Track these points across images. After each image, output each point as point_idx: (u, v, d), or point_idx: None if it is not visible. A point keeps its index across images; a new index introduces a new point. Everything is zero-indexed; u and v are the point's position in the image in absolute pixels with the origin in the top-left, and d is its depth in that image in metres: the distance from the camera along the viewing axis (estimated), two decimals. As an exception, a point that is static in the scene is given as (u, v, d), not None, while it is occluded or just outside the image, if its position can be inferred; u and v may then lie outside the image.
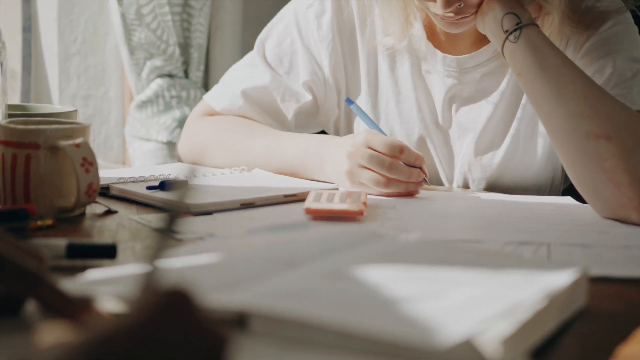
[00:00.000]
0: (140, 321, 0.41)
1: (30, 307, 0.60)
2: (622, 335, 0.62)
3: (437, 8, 1.12)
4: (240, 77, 1.35)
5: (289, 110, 1.33)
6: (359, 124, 1.33)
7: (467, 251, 0.75)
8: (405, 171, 1.10)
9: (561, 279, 0.64)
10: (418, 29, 1.27)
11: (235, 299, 0.56)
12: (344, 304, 0.56)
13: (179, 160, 1.38)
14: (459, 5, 1.11)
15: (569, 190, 1.23)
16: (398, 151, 1.10)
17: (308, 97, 1.33)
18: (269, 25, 1.37)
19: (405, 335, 0.51)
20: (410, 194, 1.13)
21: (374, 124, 1.21)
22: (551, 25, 1.16)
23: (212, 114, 1.37)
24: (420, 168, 1.12)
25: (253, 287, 0.58)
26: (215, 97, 1.37)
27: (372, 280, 0.61)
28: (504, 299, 0.58)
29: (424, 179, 1.13)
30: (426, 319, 0.54)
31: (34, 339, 0.43)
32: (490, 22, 1.12)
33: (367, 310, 0.55)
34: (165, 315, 0.42)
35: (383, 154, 1.09)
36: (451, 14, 1.12)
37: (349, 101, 1.24)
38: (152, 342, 0.41)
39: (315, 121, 1.37)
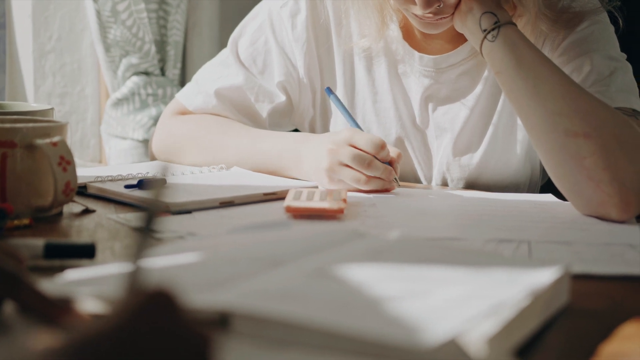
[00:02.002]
0: (124, 322, 0.41)
1: (9, 309, 0.59)
2: (605, 332, 0.62)
3: (416, 9, 1.12)
4: (213, 76, 1.35)
5: (263, 110, 1.33)
6: (335, 124, 1.32)
7: (449, 249, 0.74)
8: (381, 168, 1.10)
9: (544, 277, 0.64)
10: (394, 30, 1.27)
11: (218, 299, 0.55)
12: (329, 303, 0.56)
13: (152, 158, 1.38)
14: (438, 6, 1.11)
15: (547, 186, 1.23)
16: (380, 148, 1.10)
17: (282, 98, 1.32)
18: (242, 23, 1.36)
19: (390, 335, 0.50)
20: (386, 191, 1.13)
21: (351, 118, 1.21)
22: (524, 27, 1.17)
23: (185, 112, 1.37)
24: (391, 165, 1.12)
25: (236, 287, 0.58)
26: (188, 96, 1.36)
27: (355, 279, 0.61)
28: (488, 298, 0.58)
29: (395, 178, 1.13)
30: (411, 319, 0.53)
31: (24, 343, 0.42)
32: (469, 22, 1.12)
33: (352, 309, 0.55)
34: (149, 317, 0.41)
35: (365, 151, 1.09)
36: (430, 15, 1.12)
37: (329, 91, 1.24)
38: (135, 343, 0.40)
39: (289, 120, 1.37)
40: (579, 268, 0.78)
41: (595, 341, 0.60)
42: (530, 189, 1.32)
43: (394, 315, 0.54)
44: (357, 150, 1.09)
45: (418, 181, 1.32)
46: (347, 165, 1.10)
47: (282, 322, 0.52)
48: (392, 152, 1.13)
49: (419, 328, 0.52)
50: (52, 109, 1.12)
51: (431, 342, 0.50)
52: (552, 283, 0.63)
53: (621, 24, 1.22)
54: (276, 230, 0.79)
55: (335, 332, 0.51)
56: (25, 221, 0.88)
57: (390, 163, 1.12)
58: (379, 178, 1.11)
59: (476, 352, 0.51)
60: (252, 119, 1.34)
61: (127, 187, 1.06)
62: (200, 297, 0.55)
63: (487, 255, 0.76)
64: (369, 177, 1.10)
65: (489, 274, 0.64)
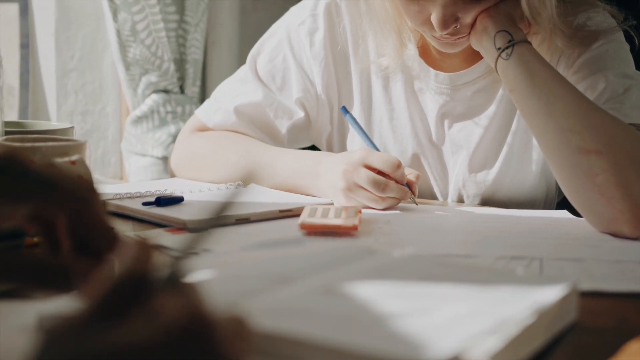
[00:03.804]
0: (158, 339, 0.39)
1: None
2: (612, 350, 0.63)
3: (433, 30, 1.13)
4: (232, 93, 1.36)
5: (282, 127, 1.34)
6: (352, 140, 1.34)
7: (457, 266, 0.75)
8: (396, 190, 1.11)
9: (550, 294, 0.64)
10: (411, 49, 1.28)
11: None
12: (335, 320, 0.57)
13: (172, 175, 1.39)
14: (455, 27, 1.12)
15: (564, 202, 1.24)
16: (396, 167, 1.11)
17: (301, 114, 1.34)
18: (260, 40, 1.38)
19: (394, 352, 0.51)
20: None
21: (366, 137, 1.22)
22: (540, 45, 1.18)
23: (204, 129, 1.38)
24: (409, 185, 1.13)
25: (246, 304, 0.59)
26: (207, 113, 1.38)
27: (362, 296, 0.62)
28: (493, 315, 0.58)
29: (411, 197, 1.14)
30: (415, 336, 0.54)
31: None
32: (484, 40, 1.13)
33: (358, 327, 0.56)
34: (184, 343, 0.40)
35: (381, 171, 1.10)
36: (447, 35, 1.13)
37: (344, 110, 1.25)
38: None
39: (307, 136, 1.38)
40: (588, 285, 0.78)
41: (601, 358, 0.61)
42: (546, 205, 1.32)
43: (398, 332, 0.55)
44: (372, 173, 1.10)
45: (434, 197, 1.33)
46: (363, 188, 1.11)
47: (286, 339, 0.53)
48: (411, 174, 1.14)
49: (423, 345, 0.53)
50: (72, 127, 1.14)
51: (436, 359, 0.51)
52: (558, 301, 0.64)
53: (637, 42, 1.23)
54: (288, 247, 0.80)
55: (338, 349, 0.52)
56: (44, 238, 0.90)
57: (408, 184, 1.13)
58: (393, 198, 1.12)
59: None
60: (270, 135, 1.35)
61: (144, 204, 1.07)
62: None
63: (495, 272, 0.77)
64: (384, 198, 1.11)
65: (495, 291, 0.65)
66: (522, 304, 0.61)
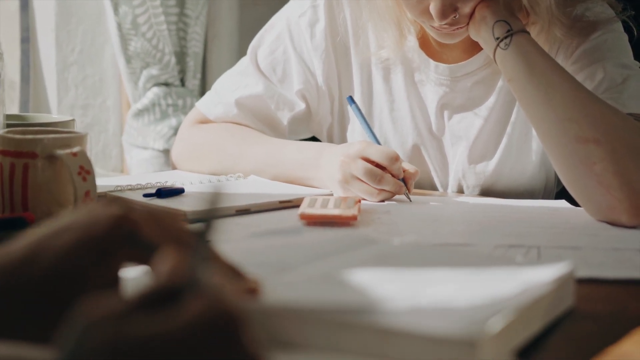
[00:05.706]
0: (180, 333, 0.40)
1: None
2: (609, 336, 0.63)
3: (432, 21, 1.13)
4: (233, 86, 1.37)
5: (284, 118, 1.35)
6: (352, 132, 1.34)
7: (456, 254, 0.76)
8: (392, 183, 1.11)
9: (545, 274, 0.65)
10: (411, 40, 1.28)
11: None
12: (327, 292, 0.58)
13: (174, 167, 1.39)
14: (454, 17, 1.12)
15: (562, 192, 1.24)
16: (394, 160, 1.11)
17: (302, 106, 1.34)
18: (261, 32, 1.38)
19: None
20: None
21: (369, 129, 1.22)
22: (538, 34, 1.18)
23: (205, 121, 1.39)
24: (405, 180, 1.13)
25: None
26: (208, 106, 1.38)
27: (358, 280, 0.63)
28: (488, 294, 0.59)
29: (405, 192, 1.14)
30: (413, 308, 0.55)
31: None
32: (482, 31, 1.14)
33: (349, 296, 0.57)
34: (208, 336, 0.41)
35: (378, 163, 1.11)
36: (446, 25, 1.14)
37: (351, 100, 1.25)
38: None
39: (307, 128, 1.39)
40: (586, 272, 0.79)
41: (599, 344, 0.61)
42: (545, 196, 1.32)
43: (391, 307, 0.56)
44: (368, 164, 1.10)
45: (434, 188, 1.34)
46: (359, 179, 1.11)
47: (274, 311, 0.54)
48: (410, 168, 1.14)
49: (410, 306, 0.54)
50: (72, 120, 1.14)
51: (434, 330, 0.51)
52: (554, 283, 0.65)
53: (635, 32, 1.23)
54: (288, 237, 0.80)
55: (326, 308, 0.53)
56: (46, 229, 0.90)
57: (405, 179, 1.14)
58: (388, 191, 1.12)
59: (477, 351, 0.52)
60: (272, 127, 1.36)
61: (145, 195, 1.08)
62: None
63: (491, 258, 0.78)
64: (380, 190, 1.12)
65: (491, 274, 0.66)
66: (517, 285, 0.62)
